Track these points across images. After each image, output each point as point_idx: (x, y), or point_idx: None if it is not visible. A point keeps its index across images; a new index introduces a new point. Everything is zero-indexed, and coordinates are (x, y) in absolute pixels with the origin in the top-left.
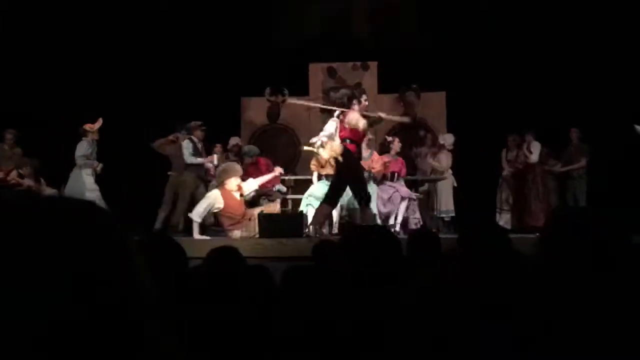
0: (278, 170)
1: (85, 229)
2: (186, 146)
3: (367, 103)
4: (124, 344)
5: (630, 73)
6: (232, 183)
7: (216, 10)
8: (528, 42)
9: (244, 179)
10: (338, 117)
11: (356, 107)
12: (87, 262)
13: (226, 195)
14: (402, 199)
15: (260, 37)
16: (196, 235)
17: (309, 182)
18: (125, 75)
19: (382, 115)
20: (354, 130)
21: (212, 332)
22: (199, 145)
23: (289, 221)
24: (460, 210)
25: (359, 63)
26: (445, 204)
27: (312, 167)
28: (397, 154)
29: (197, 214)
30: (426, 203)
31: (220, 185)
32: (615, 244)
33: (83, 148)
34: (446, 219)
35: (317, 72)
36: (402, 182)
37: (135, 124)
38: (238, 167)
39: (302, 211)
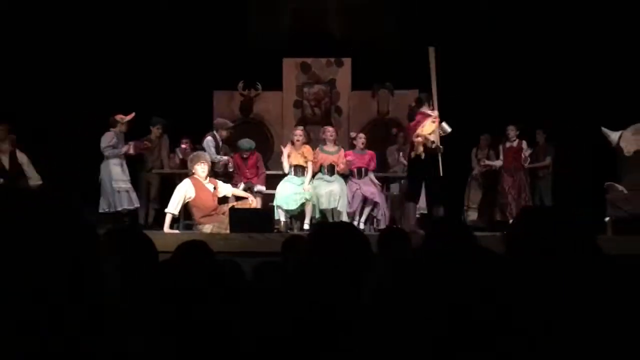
0: (251, 198)
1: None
2: (208, 144)
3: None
4: (80, 327)
5: (598, 75)
6: (199, 170)
7: (191, 2)
8: (501, 43)
9: (231, 174)
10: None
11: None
12: (36, 247)
13: (197, 184)
14: (365, 199)
15: (234, 30)
16: (167, 228)
17: (280, 177)
18: (98, 68)
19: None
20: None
21: (180, 328)
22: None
23: (260, 216)
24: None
25: (333, 59)
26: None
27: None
28: (364, 149)
29: (171, 205)
30: (398, 200)
31: (191, 174)
32: (579, 243)
33: (107, 139)
34: (417, 216)
35: (290, 67)
36: (372, 176)
37: (106, 116)
38: (206, 155)
39: (273, 206)
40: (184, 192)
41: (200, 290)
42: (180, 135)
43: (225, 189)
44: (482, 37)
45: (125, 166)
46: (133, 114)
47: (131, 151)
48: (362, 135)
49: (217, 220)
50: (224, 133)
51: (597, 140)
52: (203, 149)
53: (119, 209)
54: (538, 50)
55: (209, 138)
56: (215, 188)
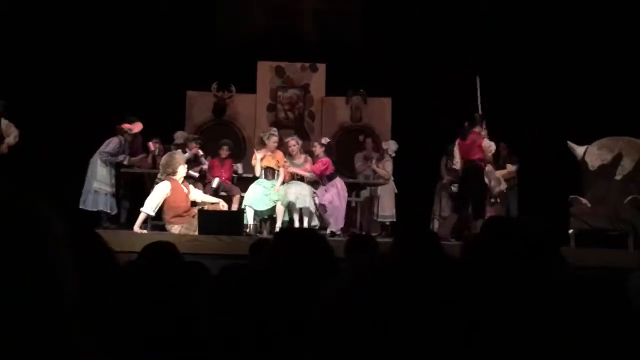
0: (222, 203)
1: None
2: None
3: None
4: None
5: (564, 90)
6: (182, 171)
7: (166, 2)
8: (470, 54)
9: (208, 176)
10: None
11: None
12: None
13: (174, 184)
14: (329, 200)
15: (208, 31)
16: (137, 228)
17: (252, 180)
18: (71, 67)
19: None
20: (485, 152)
21: (144, 329)
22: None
23: (229, 219)
24: (399, 215)
25: (307, 64)
26: (386, 208)
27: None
28: (330, 156)
29: (150, 206)
30: (367, 207)
31: (171, 174)
32: (544, 252)
33: (112, 145)
34: (387, 224)
35: (265, 71)
36: (333, 182)
37: (79, 116)
38: (182, 155)
39: (242, 209)
40: (164, 194)
41: (165, 291)
42: (152, 135)
43: (195, 194)
44: (452, 46)
45: (113, 172)
46: (140, 125)
47: (126, 162)
48: (316, 143)
49: (186, 222)
50: (193, 144)
51: (562, 154)
52: (172, 149)
53: (94, 209)
54: (505, 63)
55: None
56: (188, 191)
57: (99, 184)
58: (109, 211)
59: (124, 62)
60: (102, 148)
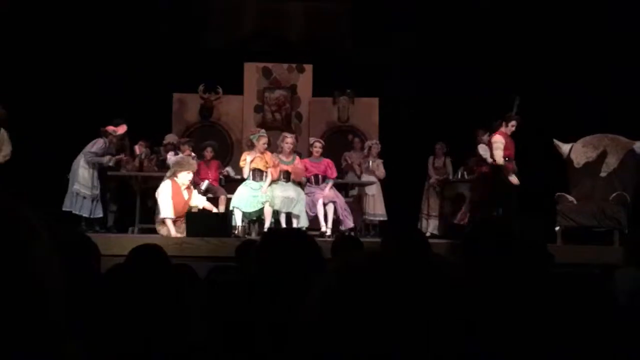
0: (215, 210)
1: None
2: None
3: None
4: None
5: (548, 88)
6: (184, 177)
7: (152, 4)
8: (453, 52)
9: (195, 179)
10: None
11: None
12: None
13: (175, 187)
14: (325, 201)
15: (195, 33)
16: (174, 232)
17: (240, 181)
18: (57, 68)
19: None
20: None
21: (130, 333)
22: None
23: (217, 220)
24: (388, 215)
25: (294, 65)
26: (376, 207)
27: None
28: (320, 156)
29: (165, 209)
30: (357, 207)
31: (172, 176)
32: (532, 251)
33: (97, 146)
34: (376, 223)
35: (252, 72)
36: (330, 183)
37: (64, 119)
38: (193, 163)
39: (230, 210)
40: (169, 193)
41: (152, 294)
42: (138, 138)
43: (197, 200)
44: (438, 45)
45: (96, 175)
46: (125, 127)
47: (111, 163)
48: (318, 142)
49: (178, 226)
50: (186, 147)
51: (549, 152)
52: (159, 152)
53: (76, 212)
54: (494, 57)
55: (169, 153)
56: (189, 197)
57: (79, 186)
58: (87, 215)
59: (110, 64)
60: (87, 148)
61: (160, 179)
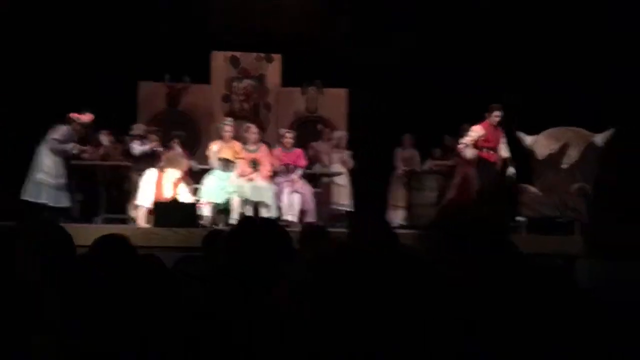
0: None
1: None
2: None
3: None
4: None
5: (511, 81)
6: (171, 173)
7: None
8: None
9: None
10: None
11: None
12: None
13: (159, 179)
14: (291, 191)
15: (161, 20)
16: (142, 223)
17: (206, 172)
18: (18, 56)
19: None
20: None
21: (95, 323)
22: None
23: (185, 211)
24: (356, 205)
25: (263, 54)
26: (343, 198)
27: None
28: (291, 147)
29: (143, 198)
30: (324, 197)
31: (163, 167)
32: (494, 240)
33: (60, 132)
34: (343, 213)
35: (219, 61)
36: (299, 173)
37: (27, 108)
38: (183, 162)
39: (198, 200)
40: (152, 182)
41: (117, 284)
42: (102, 127)
43: (185, 196)
44: (407, 37)
45: (60, 163)
46: (90, 116)
47: (75, 151)
48: (289, 133)
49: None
50: (154, 137)
51: (512, 143)
52: (125, 141)
53: (38, 201)
54: (464, 51)
55: (134, 142)
56: (174, 194)
57: (43, 174)
58: (52, 204)
59: (73, 51)
60: (50, 135)
61: (125, 168)
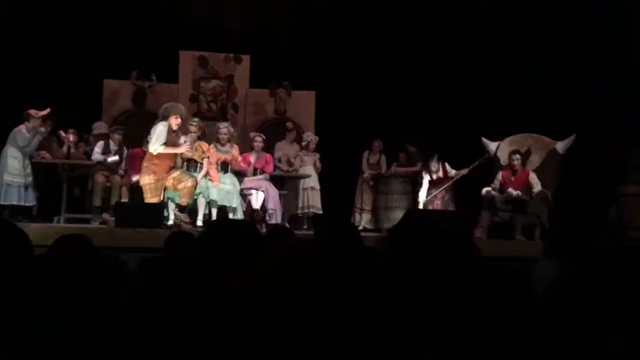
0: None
1: None
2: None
3: None
4: None
5: (476, 90)
6: (173, 122)
7: None
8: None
9: (128, 169)
10: None
11: None
12: None
13: (169, 129)
14: (253, 188)
15: (128, 17)
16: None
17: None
18: None
19: None
20: None
21: (53, 325)
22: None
23: (148, 211)
24: (322, 208)
25: (231, 55)
26: (313, 200)
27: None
28: (263, 150)
29: (157, 144)
30: (292, 199)
31: (164, 119)
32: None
33: (21, 137)
34: (310, 215)
35: (187, 60)
36: (267, 177)
37: None
38: (181, 107)
39: (162, 201)
40: (165, 130)
41: (77, 285)
42: (66, 125)
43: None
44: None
45: (27, 162)
46: (47, 110)
47: (37, 155)
48: (259, 137)
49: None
50: (117, 136)
51: (476, 150)
52: (89, 139)
53: (5, 203)
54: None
55: (97, 145)
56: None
57: (10, 176)
58: (23, 203)
59: (36, 49)
60: (15, 142)
61: (87, 167)
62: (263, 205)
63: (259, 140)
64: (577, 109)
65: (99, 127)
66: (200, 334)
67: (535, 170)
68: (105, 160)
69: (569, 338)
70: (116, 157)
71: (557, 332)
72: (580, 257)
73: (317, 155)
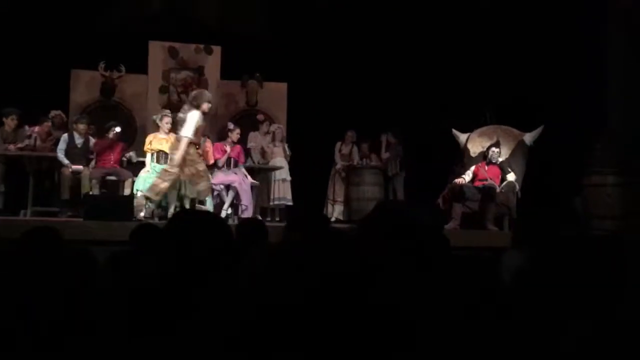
0: None
1: None
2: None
3: None
4: None
5: (448, 82)
6: (206, 108)
7: None
8: (369, 43)
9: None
10: None
11: None
12: None
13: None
14: (229, 186)
15: (96, 8)
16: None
17: (143, 164)
18: None
19: None
20: None
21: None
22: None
23: (118, 203)
24: (293, 200)
25: (202, 46)
26: (284, 192)
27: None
28: (235, 142)
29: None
30: (263, 191)
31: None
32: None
33: None
34: (282, 207)
35: (157, 51)
36: (242, 169)
37: None
38: (208, 93)
39: (132, 193)
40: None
41: (45, 280)
42: (33, 117)
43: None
44: (349, 34)
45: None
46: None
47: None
48: (237, 129)
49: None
50: (81, 126)
51: (447, 141)
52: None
53: None
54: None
55: (62, 140)
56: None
57: None
58: None
59: (0, 38)
60: None
61: (55, 160)
62: (234, 202)
63: (236, 132)
64: (544, 102)
65: (54, 116)
66: (175, 328)
67: (505, 161)
68: (69, 166)
69: (534, 324)
70: (80, 167)
71: (523, 319)
72: (546, 246)
73: (285, 144)
